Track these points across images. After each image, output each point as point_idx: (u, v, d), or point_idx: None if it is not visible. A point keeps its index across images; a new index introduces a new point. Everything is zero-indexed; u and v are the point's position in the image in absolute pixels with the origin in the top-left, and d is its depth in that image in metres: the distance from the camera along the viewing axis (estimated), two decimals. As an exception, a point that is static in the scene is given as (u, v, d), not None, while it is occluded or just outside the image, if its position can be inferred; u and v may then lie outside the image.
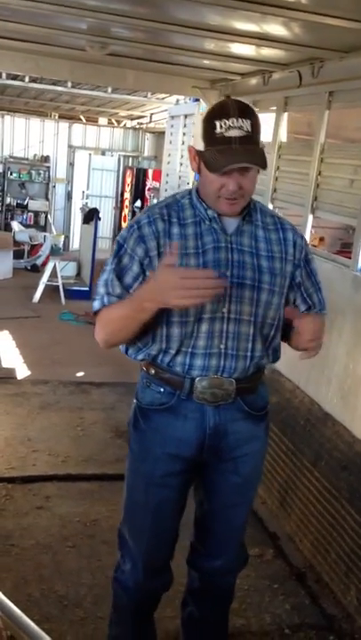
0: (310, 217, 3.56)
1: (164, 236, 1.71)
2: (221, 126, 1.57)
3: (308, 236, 3.63)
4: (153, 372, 1.81)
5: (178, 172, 5.50)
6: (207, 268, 1.69)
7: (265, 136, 4.23)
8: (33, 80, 7.17)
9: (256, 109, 4.50)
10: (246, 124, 1.58)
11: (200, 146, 1.64)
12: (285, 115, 4.02)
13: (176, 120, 5.68)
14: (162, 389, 1.80)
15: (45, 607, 2.49)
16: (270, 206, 4.10)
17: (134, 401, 1.89)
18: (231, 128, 1.57)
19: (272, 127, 4.05)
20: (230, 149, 1.57)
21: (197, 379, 1.75)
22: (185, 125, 5.41)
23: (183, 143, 5.44)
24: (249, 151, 1.59)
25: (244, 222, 1.75)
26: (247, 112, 1.60)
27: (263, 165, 1.63)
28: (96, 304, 1.75)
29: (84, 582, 2.62)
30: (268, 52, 3.50)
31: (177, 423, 1.79)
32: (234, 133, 1.57)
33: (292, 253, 1.80)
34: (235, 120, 1.57)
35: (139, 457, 1.89)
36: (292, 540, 3.09)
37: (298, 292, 1.85)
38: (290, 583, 2.81)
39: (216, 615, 2.13)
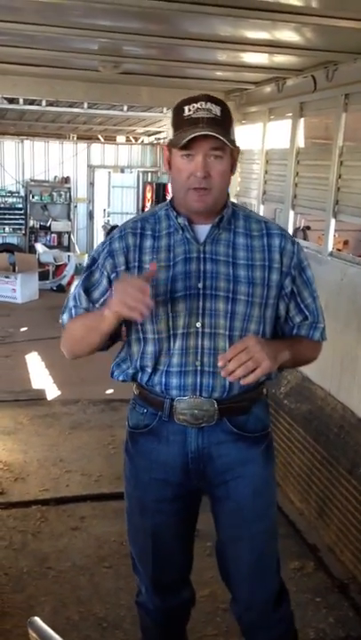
0: (333, 221, 3.51)
1: (134, 251, 1.68)
2: (190, 109, 1.56)
3: (331, 240, 3.58)
4: (137, 392, 1.78)
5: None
6: (176, 280, 1.64)
7: (282, 143, 4.22)
8: (50, 104, 7.26)
9: (272, 117, 4.49)
10: (215, 109, 1.56)
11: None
12: (302, 120, 3.99)
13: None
14: (145, 410, 1.75)
15: (85, 630, 2.46)
16: (291, 213, 4.06)
17: (125, 424, 1.85)
18: (199, 110, 1.55)
19: (289, 134, 4.02)
20: (197, 128, 1.53)
21: (176, 399, 1.67)
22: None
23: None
24: (216, 131, 1.54)
25: (220, 230, 1.67)
26: (217, 100, 1.59)
27: (230, 141, 1.57)
28: (64, 317, 1.76)
29: (123, 603, 2.58)
30: (281, 59, 3.48)
31: (160, 447, 1.74)
32: (202, 114, 1.54)
33: (278, 260, 1.67)
34: (203, 103, 1.55)
35: (130, 482, 1.84)
36: (332, 551, 3.02)
37: (291, 302, 1.72)
38: (333, 596, 2.74)
39: None
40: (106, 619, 2.53)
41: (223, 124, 1.56)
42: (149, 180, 11.86)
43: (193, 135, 1.53)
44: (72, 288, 1.79)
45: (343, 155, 3.39)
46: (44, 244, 10.72)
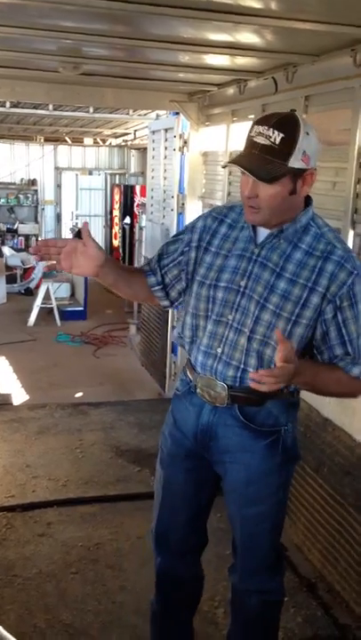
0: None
1: (208, 233, 1.83)
2: (254, 131, 1.62)
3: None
4: (186, 361, 1.96)
5: (162, 187, 5.48)
6: (225, 271, 1.77)
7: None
8: (14, 105, 7.18)
9: (235, 119, 4.48)
10: (277, 136, 1.58)
11: None
12: (265, 122, 4.01)
13: (157, 135, 5.67)
14: (184, 378, 1.94)
15: (51, 637, 2.43)
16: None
17: None
18: (260, 135, 1.60)
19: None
20: (249, 153, 1.61)
21: (199, 375, 1.83)
22: (166, 139, 5.39)
23: (165, 157, 5.42)
24: (262, 160, 1.59)
25: (281, 240, 1.72)
26: (286, 126, 1.59)
27: (260, 176, 1.59)
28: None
29: (90, 609, 2.56)
30: (242, 61, 3.50)
31: (183, 412, 1.91)
32: (260, 140, 1.60)
33: (324, 285, 1.68)
34: (266, 128, 1.59)
35: (160, 436, 2.03)
36: (300, 550, 3.04)
37: (331, 330, 1.71)
38: (301, 595, 2.76)
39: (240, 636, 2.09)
40: (73, 625, 2.50)
41: (279, 153, 1.58)
42: (117, 182, 11.83)
43: (235, 167, 1.63)
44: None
45: (305, 156, 3.41)
46: (11, 247, 10.60)
